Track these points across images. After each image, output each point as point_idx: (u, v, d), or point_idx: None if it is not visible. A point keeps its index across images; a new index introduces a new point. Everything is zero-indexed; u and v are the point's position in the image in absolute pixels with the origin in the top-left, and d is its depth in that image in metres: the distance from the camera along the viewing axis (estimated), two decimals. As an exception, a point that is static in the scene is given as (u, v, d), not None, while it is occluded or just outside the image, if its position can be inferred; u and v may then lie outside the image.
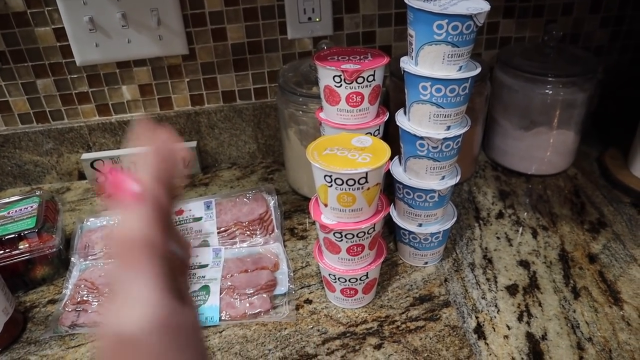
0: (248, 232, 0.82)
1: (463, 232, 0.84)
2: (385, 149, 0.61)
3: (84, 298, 0.73)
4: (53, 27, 0.89)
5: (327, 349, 0.66)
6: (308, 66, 0.86)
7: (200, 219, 0.83)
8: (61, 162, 1.01)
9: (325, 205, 0.62)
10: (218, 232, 0.82)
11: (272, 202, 0.86)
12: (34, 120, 0.97)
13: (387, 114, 0.71)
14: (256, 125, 1.01)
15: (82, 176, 1.02)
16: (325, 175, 0.59)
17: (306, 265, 0.79)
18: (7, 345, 0.69)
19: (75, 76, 0.94)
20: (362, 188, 0.59)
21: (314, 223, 0.87)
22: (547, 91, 0.88)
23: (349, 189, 0.59)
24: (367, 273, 0.67)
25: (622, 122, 1.00)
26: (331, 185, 0.59)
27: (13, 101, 0.95)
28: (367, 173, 0.58)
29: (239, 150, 1.04)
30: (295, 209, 0.91)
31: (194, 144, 1.00)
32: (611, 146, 1.01)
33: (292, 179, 0.94)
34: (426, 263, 0.78)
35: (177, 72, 0.96)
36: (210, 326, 0.70)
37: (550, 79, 0.87)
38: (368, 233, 0.64)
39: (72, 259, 0.80)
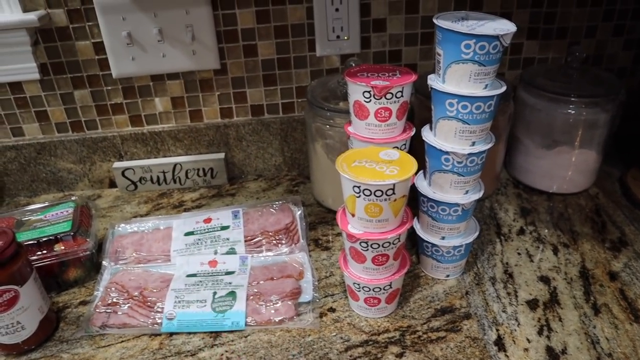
0: (274, 241, 0.84)
1: (484, 247, 0.86)
2: (412, 162, 0.63)
3: (115, 300, 0.76)
4: (93, 41, 0.93)
5: (350, 356, 0.68)
6: (336, 82, 0.89)
7: (227, 227, 0.86)
8: (93, 170, 1.04)
9: (353, 215, 0.64)
10: (245, 241, 0.84)
11: (298, 212, 0.89)
12: (69, 129, 1.01)
13: (414, 129, 0.74)
14: (283, 138, 1.04)
15: (112, 184, 1.06)
16: (354, 186, 0.61)
17: (330, 275, 0.81)
18: (41, 342, 0.72)
19: (110, 88, 0.98)
20: (389, 199, 0.61)
21: (338, 234, 0.90)
22: (569, 111, 0.90)
23: (377, 199, 0.61)
24: (390, 283, 0.69)
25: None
26: (359, 196, 0.61)
27: (51, 111, 0.99)
28: (394, 185, 0.60)
29: (265, 163, 1.07)
30: (319, 221, 0.93)
31: (222, 155, 1.03)
32: (633, 166, 1.02)
33: (317, 191, 0.97)
34: (448, 276, 0.79)
35: (209, 86, 0.99)
36: (235, 331, 0.72)
37: (573, 99, 0.89)
38: (393, 243, 0.65)
39: (104, 262, 0.83)
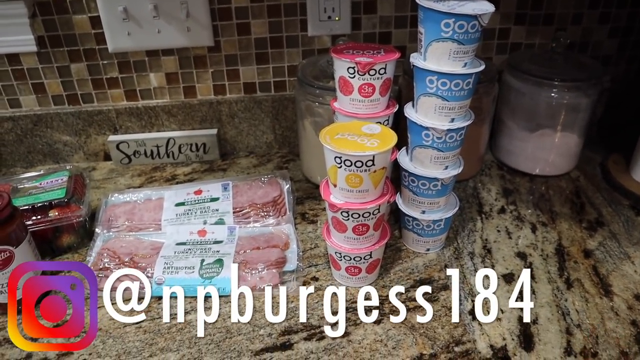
0: (262, 214, 0.87)
1: (465, 224, 0.89)
2: (392, 136, 0.66)
3: (106, 265, 0.79)
4: (89, 15, 0.95)
5: (330, 322, 0.71)
6: (326, 61, 0.91)
7: (217, 199, 0.89)
8: (89, 143, 1.07)
9: (335, 186, 0.67)
10: (233, 212, 0.87)
11: (285, 186, 0.92)
12: (66, 102, 1.04)
13: (397, 106, 0.76)
14: (274, 116, 1.07)
15: (107, 157, 1.08)
16: (335, 157, 0.64)
17: (315, 247, 0.84)
18: (34, 303, 0.75)
19: (106, 62, 1.00)
20: (369, 170, 0.64)
21: (324, 209, 0.92)
22: (552, 95, 0.93)
23: (357, 170, 0.64)
24: (370, 253, 0.72)
25: (628, 130, 1.04)
26: (340, 166, 0.64)
27: (48, 83, 1.01)
28: (374, 156, 0.62)
29: (257, 140, 1.09)
30: (307, 196, 0.96)
31: (214, 131, 1.06)
32: (615, 152, 1.04)
33: (306, 168, 0.99)
34: (428, 250, 0.82)
35: (202, 63, 1.01)
36: (222, 296, 0.75)
37: (556, 83, 0.92)
38: (373, 214, 0.68)
39: (96, 230, 0.86)
